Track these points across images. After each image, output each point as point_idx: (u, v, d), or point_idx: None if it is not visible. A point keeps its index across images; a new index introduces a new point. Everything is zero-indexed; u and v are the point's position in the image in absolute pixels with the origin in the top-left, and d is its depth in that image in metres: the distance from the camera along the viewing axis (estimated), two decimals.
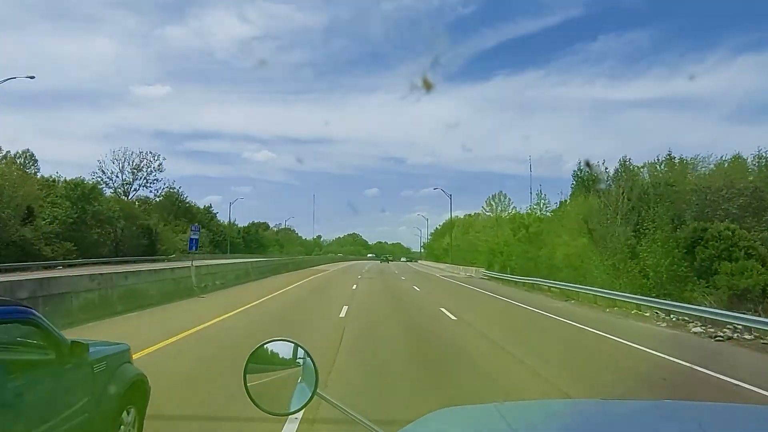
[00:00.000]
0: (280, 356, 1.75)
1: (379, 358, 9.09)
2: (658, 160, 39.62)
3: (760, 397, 7.08)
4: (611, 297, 19.93)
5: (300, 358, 1.73)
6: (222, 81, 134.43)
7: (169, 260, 51.52)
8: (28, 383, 3.17)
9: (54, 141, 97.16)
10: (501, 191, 55.46)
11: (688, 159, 36.89)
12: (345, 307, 15.81)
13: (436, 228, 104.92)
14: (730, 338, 12.51)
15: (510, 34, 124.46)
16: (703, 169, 36.07)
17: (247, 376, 1.69)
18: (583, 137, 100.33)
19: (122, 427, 4.01)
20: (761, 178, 30.78)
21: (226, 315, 13.83)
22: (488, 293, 25.40)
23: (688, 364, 9.05)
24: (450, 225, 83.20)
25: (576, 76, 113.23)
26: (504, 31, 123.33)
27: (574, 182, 45.01)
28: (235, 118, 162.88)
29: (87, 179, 47.98)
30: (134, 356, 4.81)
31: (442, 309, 16.44)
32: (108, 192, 56.16)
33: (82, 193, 42.34)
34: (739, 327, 12.99)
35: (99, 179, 57.06)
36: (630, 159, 35.43)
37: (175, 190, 64.68)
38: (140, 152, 60.72)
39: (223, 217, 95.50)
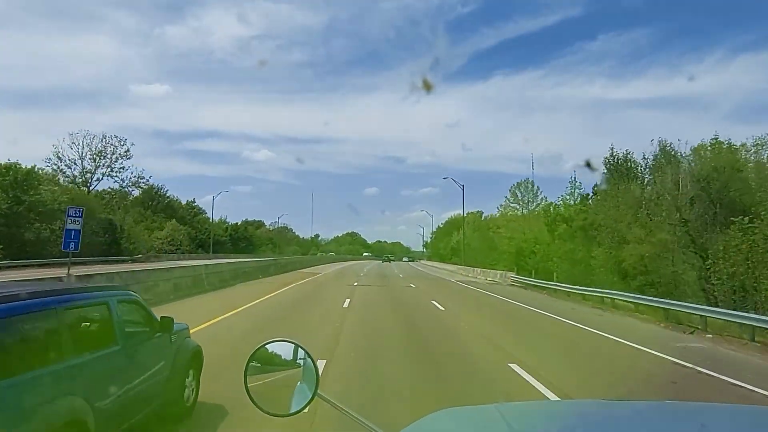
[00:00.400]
0: (281, 357, 1.74)
1: None
2: (703, 144, 32.77)
3: None
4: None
5: (300, 358, 1.72)
6: (221, 80, 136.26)
7: (134, 261, 43.50)
8: (138, 344, 4.52)
9: (53, 140, 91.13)
10: (528, 178, 46.74)
11: (737, 144, 29.62)
12: (322, 363, 7.77)
13: (439, 226, 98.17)
14: None
15: (509, 34, 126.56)
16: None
17: (248, 376, 1.69)
18: (583, 136, 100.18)
19: (187, 386, 5.23)
20: None
21: None
22: (552, 315, 17.11)
23: None
24: (461, 221, 75.31)
25: (576, 75, 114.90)
26: (503, 30, 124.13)
27: (606, 170, 38.66)
28: (235, 118, 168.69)
29: (43, 168, 40.26)
30: None
31: (513, 366, 8.41)
32: (63, 181, 47.95)
33: (14, 180, 34.15)
34: None
35: (55, 167, 48.92)
36: (671, 143, 31.14)
37: (146, 180, 56.17)
38: (104, 136, 52.10)
39: (220, 216, 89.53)
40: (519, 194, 47.28)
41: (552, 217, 33.27)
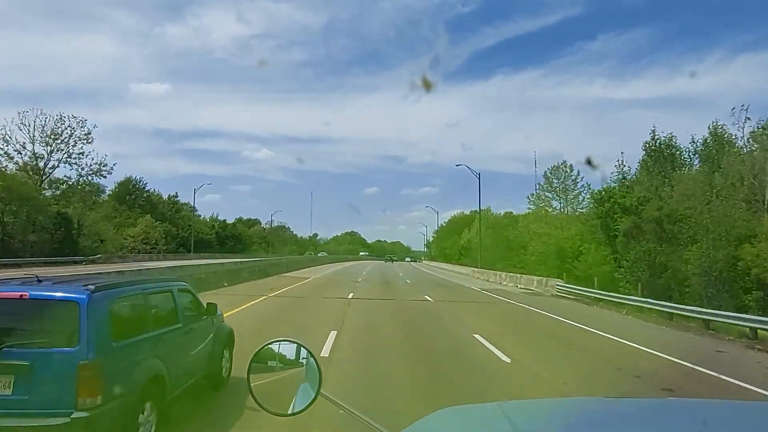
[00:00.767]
0: (284, 356, 1.72)
1: None
2: (757, 129, 28.71)
3: None
4: None
5: (303, 358, 1.71)
6: (221, 80, 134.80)
7: (90, 262, 36.24)
8: (192, 324, 5.72)
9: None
10: (565, 161, 38.56)
11: None
12: None
13: (441, 225, 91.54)
14: None
15: (509, 34, 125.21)
16: None
17: (251, 375, 1.67)
18: (583, 136, 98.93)
19: (223, 361, 6.46)
20: None
21: None
22: (714, 374, 9.88)
23: None
24: (469, 219, 68.31)
25: (576, 75, 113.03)
26: (503, 30, 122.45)
27: (645, 154, 33.12)
28: (235, 117, 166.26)
29: None
30: None
31: None
32: (12, 168, 40.53)
33: None
34: None
35: (1, 151, 41.47)
36: (723, 125, 28.37)
37: (109, 169, 48.25)
38: (60, 115, 44.28)
39: (212, 213, 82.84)
40: (555, 181, 39.61)
41: (606, 209, 26.07)
